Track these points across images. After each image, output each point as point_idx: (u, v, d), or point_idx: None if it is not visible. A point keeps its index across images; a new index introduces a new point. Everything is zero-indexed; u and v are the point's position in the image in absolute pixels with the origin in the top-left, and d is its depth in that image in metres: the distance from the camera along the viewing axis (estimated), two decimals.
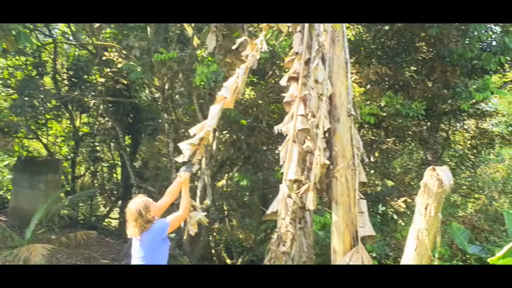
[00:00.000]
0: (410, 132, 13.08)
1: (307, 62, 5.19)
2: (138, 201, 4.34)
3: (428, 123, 12.49)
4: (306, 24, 5.17)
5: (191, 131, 5.30)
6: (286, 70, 5.66)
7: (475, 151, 16.03)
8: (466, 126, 16.05)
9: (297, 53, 5.28)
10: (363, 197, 5.18)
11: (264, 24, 5.60)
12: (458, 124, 15.24)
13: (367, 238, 5.06)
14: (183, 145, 5.18)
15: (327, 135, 5.11)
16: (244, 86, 5.39)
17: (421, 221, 4.54)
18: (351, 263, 4.83)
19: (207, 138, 5.40)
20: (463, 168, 17.25)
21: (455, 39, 8.88)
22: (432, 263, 4.60)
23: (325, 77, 5.05)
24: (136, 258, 4.34)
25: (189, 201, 4.83)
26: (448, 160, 17.00)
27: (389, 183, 9.92)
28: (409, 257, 4.65)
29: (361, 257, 4.84)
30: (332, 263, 5.03)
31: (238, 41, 6.16)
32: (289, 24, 5.42)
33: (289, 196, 4.98)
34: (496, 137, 15.43)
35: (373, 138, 12.68)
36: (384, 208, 9.93)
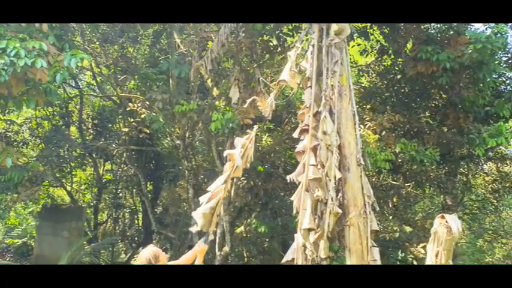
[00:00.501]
0: (429, 177, 13.10)
1: (316, 115, 5.46)
2: (148, 251, 4.45)
3: (446, 168, 12.52)
4: (314, 80, 5.47)
5: (201, 199, 5.46)
6: (299, 121, 5.93)
7: (497, 195, 15.87)
8: (486, 170, 15.97)
9: (307, 107, 5.57)
10: (375, 245, 5.28)
11: (275, 84, 5.92)
12: (477, 168, 15.19)
13: None
14: (196, 214, 5.30)
15: (338, 184, 5.28)
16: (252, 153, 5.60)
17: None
18: None
19: (219, 208, 5.53)
20: (486, 212, 17.01)
21: (467, 86, 9.09)
22: None
23: (333, 128, 5.30)
24: None
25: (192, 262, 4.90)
26: (469, 204, 16.81)
27: (408, 229, 9.90)
28: None
29: None
30: None
31: (248, 101, 6.51)
32: (298, 81, 5.69)
33: (304, 245, 5.12)
34: None
35: (393, 182, 12.75)
36: (403, 254, 9.86)
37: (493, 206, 16.47)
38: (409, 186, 13.22)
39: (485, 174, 16.01)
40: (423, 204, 17.50)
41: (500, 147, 14.58)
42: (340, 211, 5.12)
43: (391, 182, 12.81)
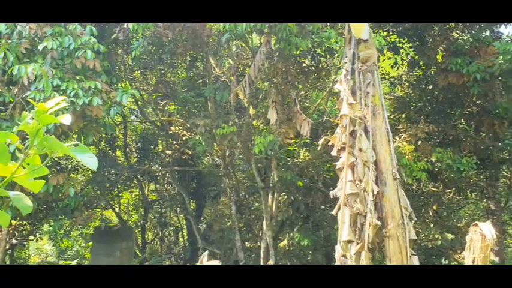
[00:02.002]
0: (470, 183, 13.07)
1: (352, 133, 5.84)
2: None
3: (487, 173, 12.50)
4: (348, 101, 5.86)
5: None
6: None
7: None
8: None
9: (343, 127, 5.96)
10: (415, 253, 5.57)
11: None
12: None
13: None
14: None
15: (376, 197, 5.63)
16: None
17: None
18: None
19: None
20: None
21: (500, 93, 9.22)
22: None
23: (369, 145, 5.66)
24: None
25: None
26: None
27: (449, 236, 10.00)
28: None
29: None
30: None
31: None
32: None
33: (343, 256, 5.48)
34: None
35: (433, 189, 12.81)
36: (446, 262, 9.96)
37: None
38: (450, 192, 13.24)
39: None
40: (468, 210, 17.32)
41: None
42: (379, 223, 5.46)
43: (432, 189, 12.89)
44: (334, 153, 6.13)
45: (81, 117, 7.49)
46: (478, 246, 4.82)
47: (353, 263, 5.43)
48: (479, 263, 4.82)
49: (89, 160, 1.33)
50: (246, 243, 15.58)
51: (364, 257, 5.30)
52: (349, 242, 5.53)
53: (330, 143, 6.38)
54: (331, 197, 6.06)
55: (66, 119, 1.39)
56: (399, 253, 5.46)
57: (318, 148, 7.89)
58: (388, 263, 5.54)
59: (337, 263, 5.55)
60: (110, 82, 9.10)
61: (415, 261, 5.51)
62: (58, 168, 11.51)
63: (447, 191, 13.11)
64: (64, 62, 7.82)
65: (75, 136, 8.06)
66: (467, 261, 4.93)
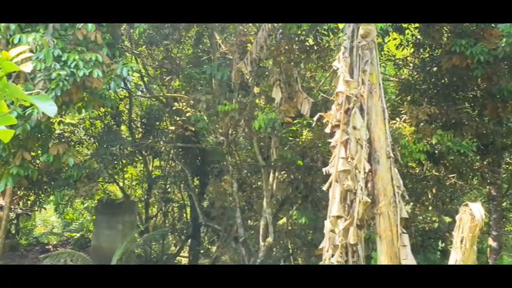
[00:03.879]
0: (472, 168, 13.06)
1: (347, 111, 5.85)
2: None
3: (490, 159, 12.46)
4: (345, 78, 5.85)
5: None
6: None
7: None
8: None
9: (339, 104, 5.96)
10: (405, 232, 5.62)
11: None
12: None
13: None
14: None
15: (368, 175, 5.66)
16: None
17: (458, 253, 4.93)
18: None
19: None
20: None
21: (504, 76, 9.12)
22: None
23: (363, 123, 5.68)
24: None
25: None
26: None
27: (447, 219, 10.04)
28: None
29: None
30: None
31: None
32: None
33: (332, 231, 5.54)
34: None
35: (435, 174, 12.82)
36: (443, 244, 10.03)
37: None
38: (452, 177, 13.23)
39: None
40: (470, 195, 17.32)
41: None
42: (368, 200, 5.51)
43: (434, 173, 12.90)
44: (328, 130, 6.15)
45: (81, 88, 7.57)
46: (467, 226, 4.85)
47: (341, 239, 5.50)
48: (468, 243, 4.86)
49: (49, 108, 1.38)
50: (248, 221, 15.76)
51: (352, 234, 5.36)
52: (338, 217, 5.60)
53: (325, 120, 6.39)
54: (324, 173, 6.10)
55: (28, 67, 1.43)
56: (389, 231, 5.52)
57: (313, 125, 7.91)
58: (377, 239, 5.60)
59: (325, 238, 5.62)
60: (113, 55, 9.12)
61: (405, 239, 5.56)
62: (63, 140, 11.65)
63: (450, 176, 13.12)
64: (66, 33, 7.86)
65: (76, 106, 8.13)
66: (456, 240, 4.97)
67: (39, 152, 10.05)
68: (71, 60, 7.22)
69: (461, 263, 4.89)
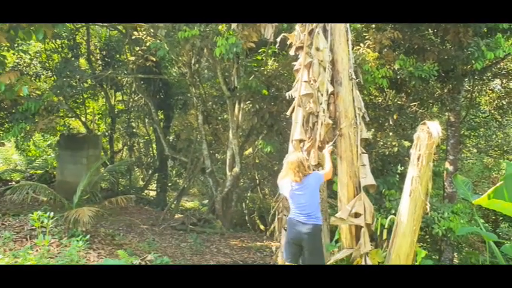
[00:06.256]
0: (433, 95, 13.32)
1: (311, 33, 5.72)
2: (298, 155, 5.20)
3: (450, 86, 12.70)
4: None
5: None
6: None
7: (501, 111, 16.08)
8: (492, 87, 16.08)
9: (302, 25, 5.81)
10: (365, 152, 5.74)
11: None
12: (482, 85, 15.33)
13: (369, 187, 5.65)
14: None
15: (330, 98, 5.66)
16: None
17: (414, 170, 5.10)
18: (353, 210, 5.45)
19: None
20: (489, 127, 17.30)
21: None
22: (425, 206, 5.15)
23: (326, 45, 5.58)
24: (297, 196, 5.06)
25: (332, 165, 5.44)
26: (473, 122, 17.11)
27: (406, 143, 10.32)
28: (405, 202, 5.23)
29: (363, 204, 5.45)
30: (339, 210, 5.65)
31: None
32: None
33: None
34: None
35: (399, 103, 13.03)
36: (402, 168, 10.35)
37: (497, 122, 16.72)
38: (414, 106, 13.50)
39: (490, 91, 16.14)
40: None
41: (507, 63, 14.66)
42: (330, 122, 5.55)
43: (398, 102, 13.11)
44: (292, 52, 6.04)
45: None
46: (424, 143, 4.98)
47: (306, 160, 5.55)
48: (424, 160, 5.01)
49: None
50: (214, 153, 15.83)
51: (314, 155, 5.44)
52: (301, 141, 5.65)
53: (288, 42, 6.26)
54: (288, 97, 6.07)
55: None
56: (350, 151, 5.62)
57: (276, 46, 7.74)
58: (338, 160, 5.71)
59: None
60: None
61: (365, 159, 5.69)
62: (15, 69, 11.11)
63: (411, 104, 13.37)
64: None
65: (25, 31, 7.60)
66: (413, 158, 5.11)
67: None
68: None
69: (418, 179, 5.07)
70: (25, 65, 14.97)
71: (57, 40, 14.69)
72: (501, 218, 14.17)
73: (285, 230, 5.97)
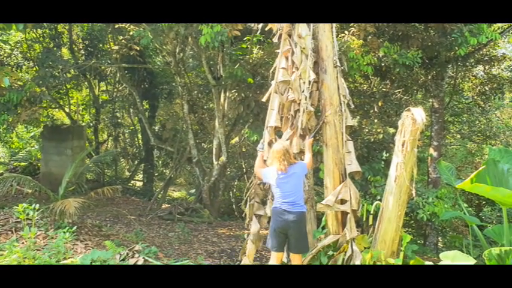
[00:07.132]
0: (417, 82, 13.44)
1: None
2: (283, 143, 5.21)
3: (434, 72, 12.82)
4: None
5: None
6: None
7: (484, 97, 16.28)
8: (475, 73, 16.26)
9: None
10: (350, 139, 5.78)
11: None
12: (465, 71, 15.49)
13: (355, 174, 5.69)
14: None
15: (313, 85, 5.67)
16: None
17: (399, 156, 5.15)
18: (339, 197, 5.50)
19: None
20: (472, 113, 17.52)
21: None
22: (410, 192, 5.22)
23: (308, 32, 5.58)
24: (282, 185, 5.06)
25: (311, 155, 5.49)
26: (457, 108, 17.32)
27: (391, 130, 10.40)
28: (391, 187, 5.29)
29: (348, 190, 5.50)
30: (325, 197, 5.69)
31: None
32: None
33: (269, 142, 5.64)
34: (506, 82, 15.64)
35: (384, 90, 13.11)
36: (387, 154, 10.46)
37: (480, 108, 16.94)
38: (399, 92, 13.60)
39: (473, 77, 16.33)
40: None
41: (489, 49, 14.82)
42: (312, 109, 5.57)
43: (382, 89, 13.19)
44: (276, 39, 6.03)
45: None
46: (408, 130, 5.02)
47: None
48: (409, 146, 5.06)
49: None
50: (200, 142, 15.80)
51: (296, 143, 5.47)
52: (276, 128, 5.68)
53: (267, 28, 6.25)
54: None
55: None
56: (335, 138, 5.65)
57: (258, 32, 7.72)
58: (324, 147, 5.74)
59: (265, 149, 5.68)
60: None
61: (350, 146, 5.73)
62: None
63: (396, 91, 13.48)
64: None
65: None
66: (398, 144, 5.16)
67: None
68: None
69: (402, 165, 5.13)
70: (5, 55, 14.69)
71: (38, 30, 14.40)
72: (484, 202, 14.43)
73: (256, 217, 6.03)
